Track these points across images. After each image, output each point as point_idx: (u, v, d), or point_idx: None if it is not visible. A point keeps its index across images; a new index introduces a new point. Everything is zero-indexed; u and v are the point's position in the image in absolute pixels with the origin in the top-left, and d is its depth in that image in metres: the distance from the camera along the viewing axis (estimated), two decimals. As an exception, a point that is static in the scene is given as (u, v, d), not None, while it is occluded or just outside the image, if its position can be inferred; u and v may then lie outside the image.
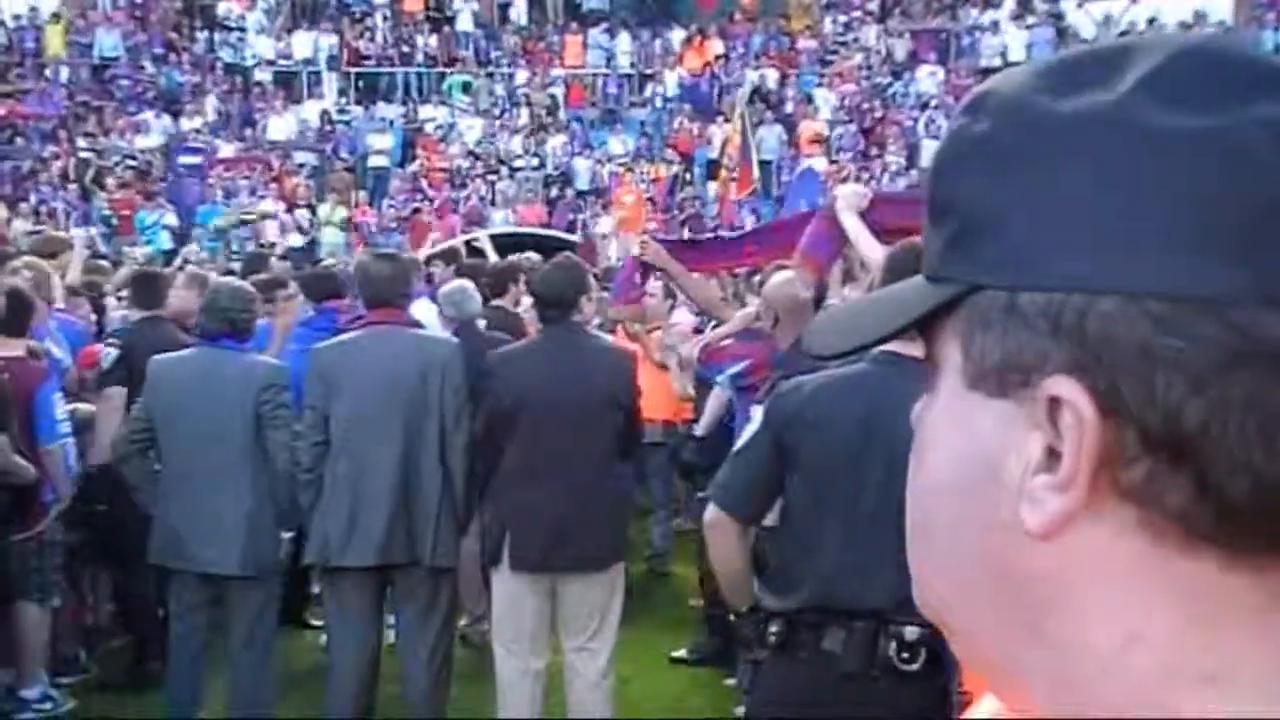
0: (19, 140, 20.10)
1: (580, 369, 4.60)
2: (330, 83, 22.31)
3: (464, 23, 23.13)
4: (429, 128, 21.20)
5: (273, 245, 15.07)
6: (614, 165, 19.88)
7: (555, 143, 20.57)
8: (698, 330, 6.71)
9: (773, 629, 2.98)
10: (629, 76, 22.49)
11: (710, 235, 8.38)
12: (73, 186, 18.46)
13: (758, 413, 3.15)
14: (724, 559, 3.14)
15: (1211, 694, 0.52)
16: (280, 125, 21.04)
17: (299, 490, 4.67)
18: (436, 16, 23.28)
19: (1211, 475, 0.51)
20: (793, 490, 3.04)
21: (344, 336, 4.92)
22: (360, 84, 22.46)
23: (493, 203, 19.17)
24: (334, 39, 22.61)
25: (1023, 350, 0.54)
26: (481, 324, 6.09)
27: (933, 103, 19.88)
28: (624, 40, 22.59)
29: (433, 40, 22.81)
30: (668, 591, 7.45)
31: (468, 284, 6.24)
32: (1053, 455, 0.53)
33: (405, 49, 22.63)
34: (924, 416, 0.60)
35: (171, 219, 17.39)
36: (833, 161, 18.05)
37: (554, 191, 19.66)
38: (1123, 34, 16.27)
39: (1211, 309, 0.50)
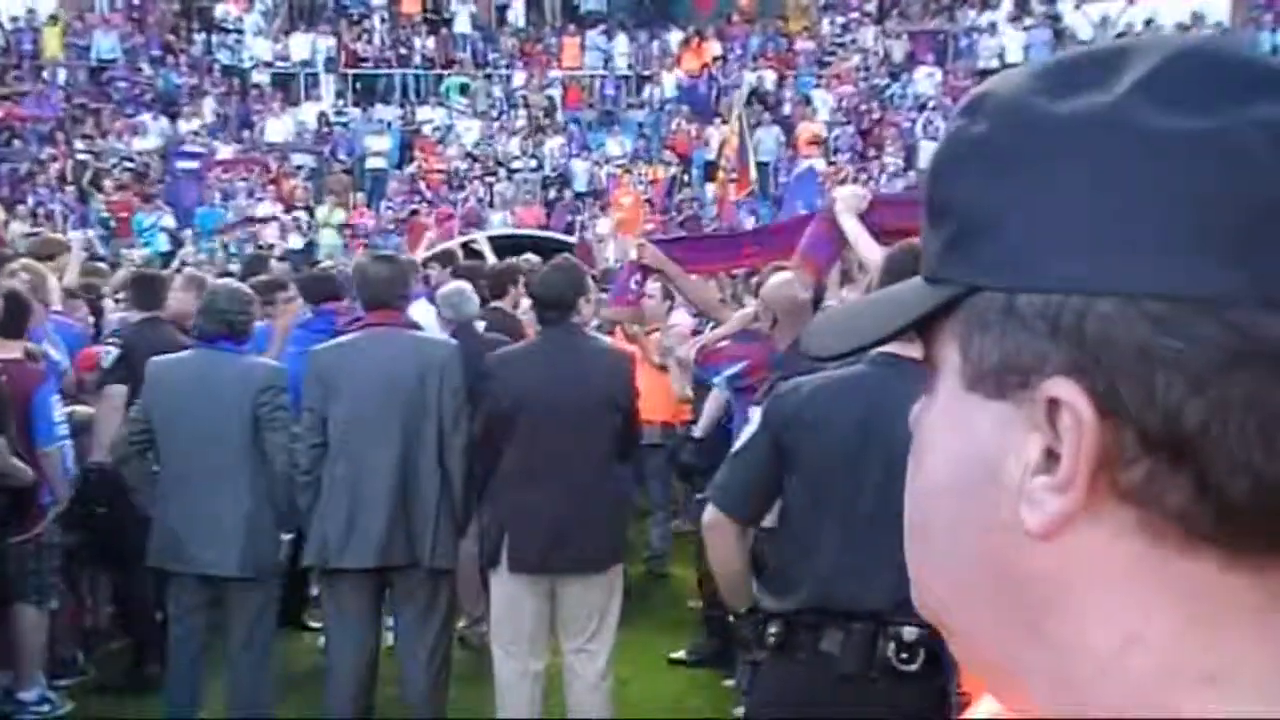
0: (16, 142, 20.10)
1: (579, 371, 4.60)
2: (328, 84, 22.32)
3: (461, 24, 23.13)
4: (427, 129, 21.21)
5: (271, 247, 15.07)
6: (612, 167, 19.90)
7: (553, 144, 20.58)
8: (696, 332, 6.71)
9: (771, 630, 2.98)
10: (627, 78, 22.50)
11: (708, 233, 8.38)
12: (70, 188, 18.46)
13: (756, 414, 3.15)
14: (722, 560, 3.14)
15: (1211, 694, 0.52)
16: (278, 127, 21.04)
17: (297, 492, 4.67)
18: (434, 18, 23.29)
19: (1211, 475, 0.51)
20: (791, 491, 3.04)
21: (342, 338, 4.92)
22: (358, 86, 22.46)
23: (490, 204, 19.18)
24: (331, 41, 22.62)
25: (1021, 352, 0.54)
26: (480, 326, 6.09)
27: (930, 104, 19.90)
28: (621, 42, 22.60)
29: (430, 42, 22.81)
30: (666, 593, 7.45)
31: (466, 286, 6.24)
32: (1052, 456, 0.53)
33: (403, 51, 22.63)
34: (922, 418, 0.60)
35: (169, 221, 17.40)
36: (830, 163, 18.06)
37: (552, 193, 19.67)
38: (1120, 35, 16.29)
39: (1210, 309, 0.50)
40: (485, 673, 4.97)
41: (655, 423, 6.80)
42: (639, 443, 5.23)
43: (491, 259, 8.71)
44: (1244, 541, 0.52)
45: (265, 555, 4.78)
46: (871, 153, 19.45)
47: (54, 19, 22.13)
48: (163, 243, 16.40)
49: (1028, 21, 21.17)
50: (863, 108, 20.47)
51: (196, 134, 20.60)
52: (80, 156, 19.25)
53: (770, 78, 21.52)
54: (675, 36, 22.62)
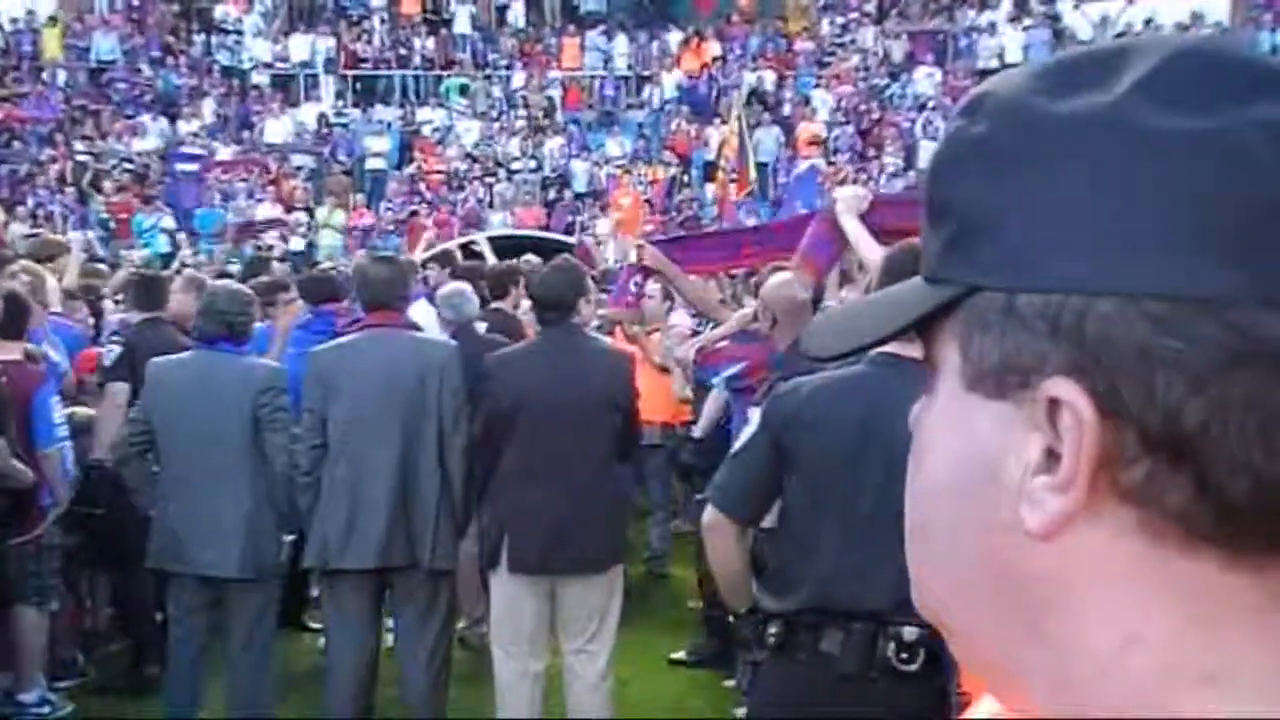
0: (16, 144, 20.10)
1: (579, 371, 4.60)
2: (327, 85, 22.33)
3: (461, 25, 23.14)
4: (426, 130, 21.22)
5: (271, 248, 15.07)
6: (611, 167, 19.90)
7: (553, 145, 20.59)
8: (695, 333, 6.71)
9: (771, 630, 2.98)
10: (626, 78, 22.51)
11: (708, 231, 8.37)
12: (70, 190, 18.46)
13: (755, 414, 3.15)
14: (722, 560, 3.14)
15: (1211, 694, 0.52)
16: (278, 128, 21.05)
17: (297, 493, 4.67)
18: (434, 19, 23.30)
19: (1211, 475, 0.51)
20: (791, 492, 3.04)
21: (342, 339, 4.93)
22: (358, 86, 22.47)
23: (490, 205, 19.19)
24: (331, 42, 22.63)
25: (1021, 352, 0.54)
26: (480, 326, 6.09)
27: (930, 104, 19.90)
28: (621, 42, 22.60)
29: (430, 43, 22.82)
30: (666, 593, 7.45)
31: (466, 286, 6.24)
32: (1052, 456, 0.53)
33: (402, 51, 22.64)
34: (922, 418, 0.60)
35: (169, 222, 17.39)
36: (830, 163, 18.06)
37: (552, 194, 19.67)
38: (1119, 35, 16.29)
39: (1210, 309, 0.50)
40: (485, 673, 4.97)
41: (655, 423, 6.80)
42: (639, 443, 5.23)
43: (491, 260, 8.72)
44: (1244, 541, 0.52)
45: (265, 556, 4.78)
46: (871, 153, 19.45)
47: (53, 20, 22.14)
48: (162, 244, 16.40)
49: (1027, 21, 21.17)
50: (862, 108, 20.47)
51: (196, 135, 20.61)
52: (80, 158, 19.26)
53: (770, 78, 21.53)
54: (675, 37, 22.63)
